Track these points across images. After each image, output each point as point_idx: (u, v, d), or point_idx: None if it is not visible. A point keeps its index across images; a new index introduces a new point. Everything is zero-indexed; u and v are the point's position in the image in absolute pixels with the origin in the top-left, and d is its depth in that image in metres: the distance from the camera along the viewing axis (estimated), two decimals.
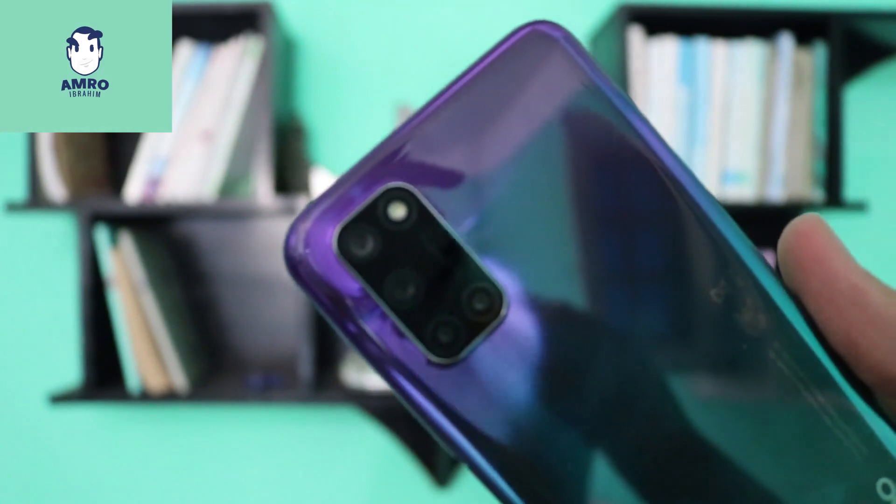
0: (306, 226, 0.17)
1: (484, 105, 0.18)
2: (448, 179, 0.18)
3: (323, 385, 1.16)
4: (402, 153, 0.18)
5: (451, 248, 0.17)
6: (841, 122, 1.14)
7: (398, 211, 0.17)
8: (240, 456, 1.32)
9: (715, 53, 1.15)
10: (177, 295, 1.24)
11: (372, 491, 1.32)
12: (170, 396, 1.13)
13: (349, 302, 0.17)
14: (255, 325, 1.30)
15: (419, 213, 0.17)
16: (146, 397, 1.13)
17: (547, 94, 0.18)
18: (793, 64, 1.15)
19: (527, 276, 0.18)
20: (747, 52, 1.16)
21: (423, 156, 0.18)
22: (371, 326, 0.17)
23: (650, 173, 0.18)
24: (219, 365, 1.30)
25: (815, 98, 1.16)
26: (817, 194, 1.16)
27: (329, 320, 0.17)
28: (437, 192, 0.18)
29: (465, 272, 0.17)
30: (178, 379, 1.14)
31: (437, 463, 1.23)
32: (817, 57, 1.16)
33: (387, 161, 0.18)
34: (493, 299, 0.17)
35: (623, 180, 0.18)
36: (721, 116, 1.15)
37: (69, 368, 1.30)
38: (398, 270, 0.17)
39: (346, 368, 1.16)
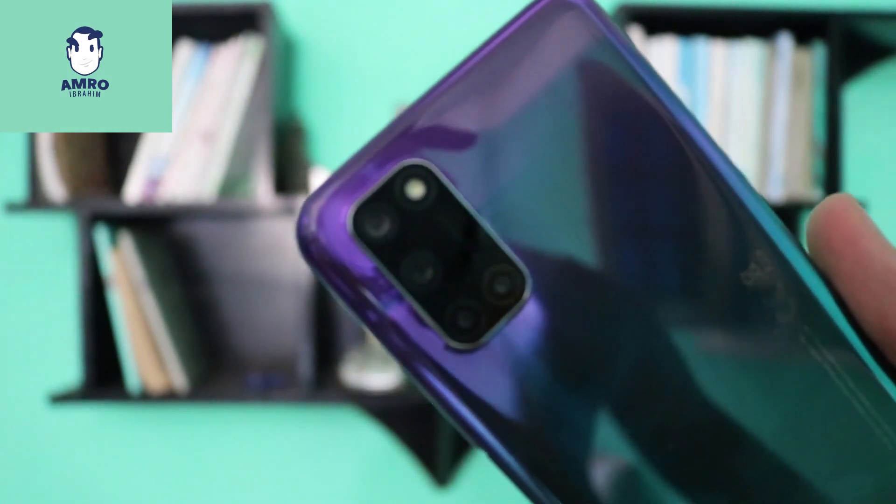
0: (319, 205, 0.17)
1: (504, 78, 0.17)
2: (468, 156, 0.17)
3: (323, 385, 1.16)
4: (420, 128, 0.17)
5: (472, 229, 0.17)
6: (840, 121, 1.14)
7: (416, 189, 0.16)
8: (240, 456, 1.32)
9: (714, 53, 1.15)
10: (176, 295, 1.24)
11: (371, 490, 1.32)
12: (169, 396, 1.13)
13: (364, 284, 0.16)
14: (255, 325, 1.30)
15: (438, 191, 0.17)
16: (146, 397, 1.13)
17: (570, 66, 0.17)
18: (792, 64, 1.15)
19: (550, 258, 0.17)
20: (747, 52, 1.16)
21: (441, 131, 0.17)
22: (387, 310, 0.16)
23: (680, 155, 0.17)
24: (218, 365, 1.30)
25: (815, 98, 1.16)
26: (817, 194, 1.16)
27: (343, 304, 0.17)
28: (457, 169, 0.17)
29: (486, 253, 0.17)
30: (178, 379, 1.14)
31: (437, 462, 1.23)
32: (816, 57, 1.16)
33: (404, 137, 0.17)
34: (515, 282, 0.17)
35: (651, 161, 0.17)
36: (721, 116, 1.15)
37: (69, 368, 1.30)
38: (416, 252, 0.16)
39: (345, 368, 1.16)
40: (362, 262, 0.16)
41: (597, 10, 0.17)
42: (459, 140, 0.17)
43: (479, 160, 0.17)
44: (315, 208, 0.17)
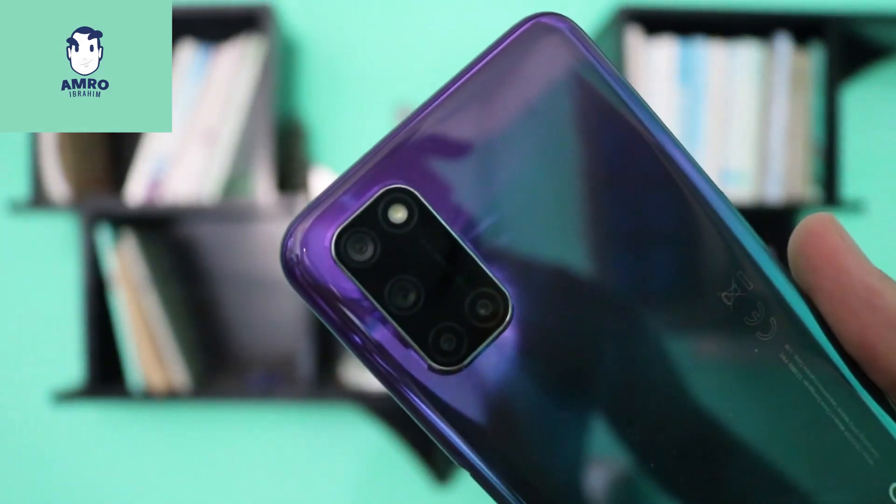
0: (304, 228, 0.17)
1: (486, 102, 0.17)
2: (451, 180, 0.17)
3: (323, 383, 1.16)
4: (403, 152, 0.17)
5: (454, 252, 0.17)
6: (838, 122, 1.14)
7: (399, 213, 0.16)
8: (240, 453, 1.32)
9: (713, 54, 1.16)
10: (178, 294, 1.25)
11: (372, 488, 1.32)
12: (171, 395, 1.13)
13: (347, 307, 0.16)
14: (256, 325, 1.31)
15: (420, 215, 0.17)
16: (148, 396, 1.13)
17: (553, 90, 0.17)
18: (790, 64, 1.16)
19: (534, 280, 0.17)
20: (745, 53, 1.16)
21: (424, 155, 0.17)
22: (371, 333, 0.17)
23: (660, 173, 0.17)
24: (220, 364, 1.31)
25: (813, 99, 1.16)
26: (815, 193, 1.16)
27: (328, 326, 0.17)
28: (440, 193, 0.17)
29: (469, 276, 0.17)
30: (180, 378, 1.15)
31: (437, 461, 1.23)
32: (815, 58, 1.16)
33: (387, 160, 0.17)
34: (498, 305, 0.17)
35: (632, 181, 0.17)
36: (719, 116, 1.15)
37: (71, 368, 1.30)
38: (399, 276, 0.16)
39: (346, 367, 1.16)
40: (346, 286, 0.16)
41: (579, 35, 0.18)
42: (442, 163, 0.17)
43: (462, 183, 0.17)
44: (300, 231, 0.17)
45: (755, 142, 1.15)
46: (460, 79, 0.17)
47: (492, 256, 0.17)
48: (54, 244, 1.31)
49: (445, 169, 0.17)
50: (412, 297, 0.16)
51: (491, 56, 0.17)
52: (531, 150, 0.17)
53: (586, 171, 0.17)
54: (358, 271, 0.16)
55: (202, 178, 1.14)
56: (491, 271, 0.17)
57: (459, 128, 0.17)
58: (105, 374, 1.17)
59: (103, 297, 1.16)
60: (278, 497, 1.32)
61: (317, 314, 0.17)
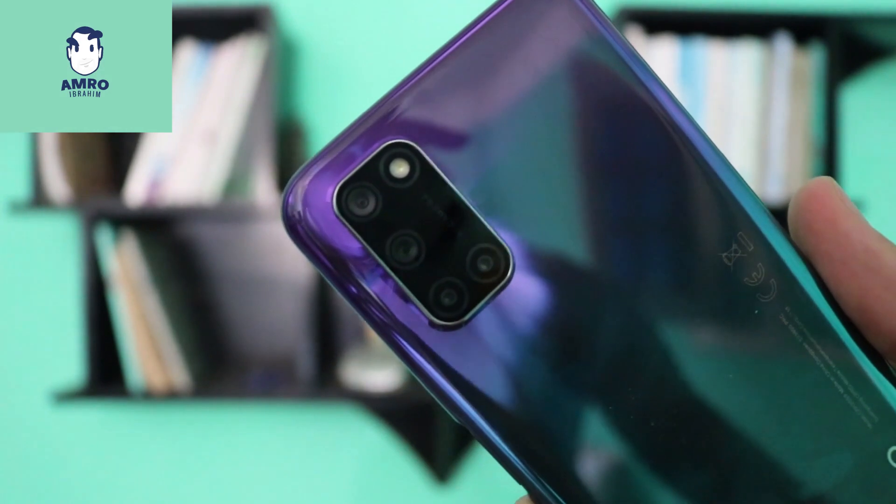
0: (305, 184, 0.17)
1: (489, 59, 0.17)
2: (452, 135, 0.17)
3: (323, 383, 1.16)
4: (405, 108, 0.17)
5: (456, 207, 0.17)
6: (838, 122, 1.14)
7: (400, 168, 0.17)
8: (240, 453, 1.32)
9: (713, 54, 1.16)
10: (178, 294, 1.25)
11: (372, 488, 1.32)
12: (171, 395, 1.13)
13: (350, 263, 0.17)
14: (256, 325, 1.31)
15: (422, 170, 0.17)
16: (148, 396, 1.13)
17: (554, 48, 0.17)
18: (790, 64, 1.16)
19: (534, 236, 0.17)
20: (745, 53, 1.16)
21: (426, 111, 0.17)
22: (372, 288, 0.17)
23: (662, 133, 0.17)
24: (220, 364, 1.31)
25: (813, 99, 1.16)
26: None
27: (329, 282, 0.17)
28: (442, 148, 0.17)
29: (470, 232, 0.17)
30: (180, 378, 1.15)
31: (438, 460, 1.23)
32: (815, 58, 1.16)
33: (389, 116, 0.17)
34: (499, 260, 0.17)
35: (633, 139, 0.17)
36: (720, 116, 1.15)
37: (71, 368, 1.31)
38: (400, 230, 0.16)
39: (346, 367, 1.16)
40: (348, 241, 0.17)
41: None
42: (444, 120, 0.17)
43: (464, 140, 0.17)
44: (300, 187, 0.17)
45: (755, 142, 1.15)
46: (462, 37, 0.17)
47: (494, 213, 0.17)
48: (54, 244, 1.31)
49: (448, 125, 0.17)
50: (413, 252, 0.16)
51: (493, 14, 0.17)
52: (534, 109, 0.17)
53: (588, 133, 0.17)
54: (360, 226, 0.16)
55: (202, 179, 1.14)
56: (492, 227, 0.17)
57: (462, 85, 0.17)
58: (105, 374, 1.17)
59: (103, 298, 1.16)
60: (278, 497, 1.32)
61: (318, 269, 0.17)
